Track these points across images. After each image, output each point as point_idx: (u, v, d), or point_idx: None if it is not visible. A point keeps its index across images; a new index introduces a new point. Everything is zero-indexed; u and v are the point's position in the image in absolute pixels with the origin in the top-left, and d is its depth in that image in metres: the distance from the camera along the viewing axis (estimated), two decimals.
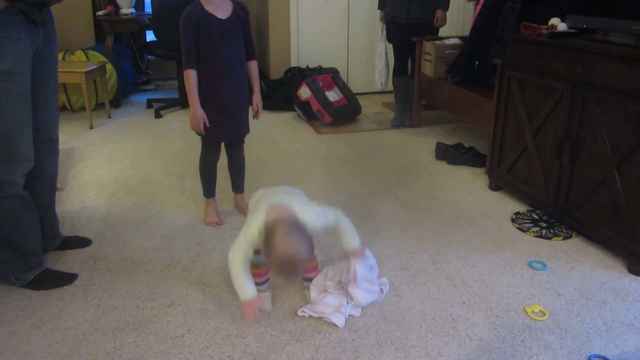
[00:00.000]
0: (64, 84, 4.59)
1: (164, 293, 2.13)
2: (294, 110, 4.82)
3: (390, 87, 4.59)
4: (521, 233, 2.61)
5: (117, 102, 5.10)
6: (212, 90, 2.44)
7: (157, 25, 4.70)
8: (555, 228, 2.63)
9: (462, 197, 3.04)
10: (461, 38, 4.11)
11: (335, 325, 1.91)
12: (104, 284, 2.19)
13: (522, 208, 2.88)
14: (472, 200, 3.00)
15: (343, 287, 2.03)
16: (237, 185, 2.81)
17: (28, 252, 2.14)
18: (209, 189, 2.72)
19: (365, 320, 1.95)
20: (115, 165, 3.56)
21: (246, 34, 2.51)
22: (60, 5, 2.13)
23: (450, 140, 3.88)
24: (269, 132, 4.31)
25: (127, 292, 2.13)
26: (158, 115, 4.74)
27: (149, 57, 6.14)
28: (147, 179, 3.32)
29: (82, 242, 2.50)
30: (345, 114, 4.57)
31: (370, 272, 2.06)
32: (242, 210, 2.80)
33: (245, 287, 1.81)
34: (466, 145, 3.68)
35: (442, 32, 4.27)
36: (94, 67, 4.41)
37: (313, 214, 1.83)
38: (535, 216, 2.76)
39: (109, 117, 4.72)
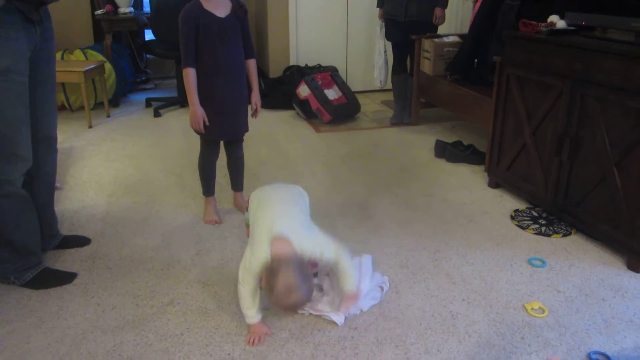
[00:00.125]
0: (63, 84, 4.59)
1: (164, 292, 2.13)
2: (293, 108, 4.82)
3: (389, 85, 4.58)
4: (520, 230, 2.61)
5: (116, 101, 5.10)
6: (211, 89, 2.44)
7: (156, 24, 4.70)
8: (555, 225, 2.63)
9: (462, 194, 3.04)
10: (460, 36, 4.11)
11: (334, 323, 1.91)
12: (104, 282, 2.19)
13: (522, 205, 2.88)
14: (471, 197, 3.00)
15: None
16: (237, 183, 2.81)
17: (27, 252, 2.13)
18: (208, 187, 2.72)
19: (365, 317, 1.95)
20: (115, 164, 3.56)
21: (245, 32, 2.51)
22: (59, 4, 2.13)
23: (450, 138, 3.88)
24: (268, 130, 4.31)
25: (127, 291, 2.13)
26: (157, 114, 4.74)
27: (147, 56, 6.14)
28: (146, 177, 3.32)
29: (81, 241, 2.49)
30: (345, 112, 4.56)
31: (371, 282, 2.06)
32: (241, 208, 2.80)
33: (253, 312, 1.84)
34: (465, 142, 3.68)
35: (441, 29, 4.27)
36: (93, 66, 4.40)
37: (314, 245, 1.81)
38: (535, 213, 2.76)
39: (108, 116, 4.72)
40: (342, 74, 5.34)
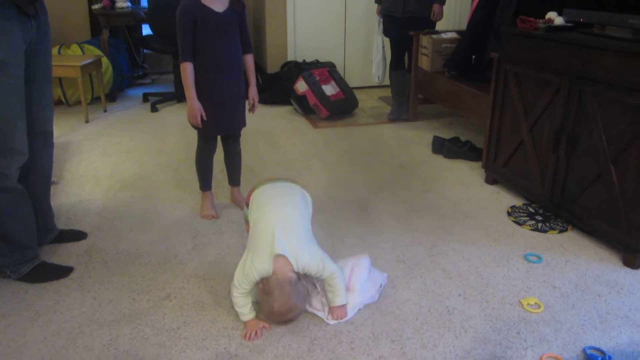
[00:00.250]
0: (60, 78, 4.57)
1: (160, 286, 2.13)
2: (290, 104, 4.82)
3: (387, 81, 4.58)
4: (517, 226, 2.62)
5: (113, 96, 5.09)
6: (209, 84, 2.44)
7: (153, 18, 4.68)
8: (551, 221, 2.63)
9: (459, 190, 3.05)
10: (458, 32, 4.11)
11: None
12: (100, 276, 2.19)
13: (518, 201, 2.88)
14: (468, 193, 3.01)
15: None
16: (234, 178, 2.81)
17: (23, 245, 2.13)
18: (205, 182, 2.72)
19: (361, 312, 1.96)
20: (111, 159, 3.55)
21: (242, 27, 2.50)
22: None
23: (447, 134, 3.88)
24: (266, 125, 4.31)
25: (123, 285, 2.13)
26: (154, 109, 4.73)
27: (145, 51, 6.13)
28: (143, 172, 3.31)
29: (77, 236, 2.49)
30: (342, 108, 4.56)
31: (367, 282, 2.04)
32: (238, 203, 2.80)
33: (246, 310, 1.85)
34: (463, 139, 3.68)
35: (439, 26, 4.26)
36: (90, 61, 4.39)
37: (311, 262, 1.81)
38: (532, 210, 2.77)
39: (105, 111, 4.70)
40: (339, 69, 5.34)
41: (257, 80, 4.71)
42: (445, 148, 3.57)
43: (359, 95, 4.96)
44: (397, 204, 2.86)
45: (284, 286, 1.76)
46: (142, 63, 6.08)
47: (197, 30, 2.35)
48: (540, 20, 2.69)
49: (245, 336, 1.82)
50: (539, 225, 2.60)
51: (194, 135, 2.65)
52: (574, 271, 2.24)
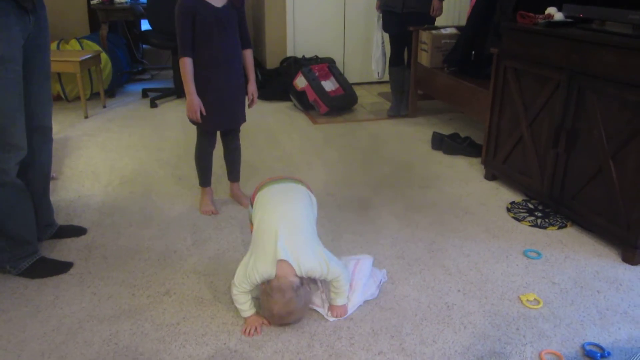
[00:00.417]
0: (59, 74, 4.56)
1: (160, 281, 2.13)
2: (290, 100, 4.81)
3: (386, 77, 4.58)
4: (516, 222, 2.62)
5: (112, 91, 5.08)
6: (208, 79, 2.43)
7: (152, 14, 4.67)
8: (551, 217, 2.64)
9: (458, 186, 3.05)
10: (458, 28, 4.10)
11: None
12: (100, 272, 2.19)
13: (518, 198, 2.88)
14: (467, 189, 3.01)
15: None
16: (233, 174, 2.80)
17: (23, 241, 2.13)
18: (204, 178, 2.71)
19: (361, 308, 1.96)
20: (111, 154, 3.55)
21: (241, 22, 2.50)
22: None
23: (447, 130, 3.88)
24: (265, 121, 4.30)
25: (123, 281, 2.13)
26: (153, 104, 4.73)
27: (144, 46, 6.11)
28: (143, 168, 3.31)
29: (77, 231, 2.49)
30: (342, 103, 4.56)
31: (368, 280, 2.05)
32: (238, 199, 2.80)
33: (246, 307, 1.85)
34: (462, 135, 3.68)
35: (439, 21, 4.26)
36: (89, 56, 4.38)
37: (315, 266, 1.80)
38: (531, 206, 2.77)
39: (104, 106, 4.70)
40: (339, 65, 5.33)
41: (257, 75, 4.71)
42: (444, 144, 3.57)
43: (358, 91, 4.96)
44: (396, 200, 2.86)
45: (285, 291, 1.75)
46: (141, 58, 6.07)
47: (196, 25, 2.34)
48: (540, 16, 2.69)
49: (244, 332, 1.82)
50: (539, 221, 2.61)
51: (193, 131, 2.65)
52: (573, 267, 2.24)
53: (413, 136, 3.94)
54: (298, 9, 5.27)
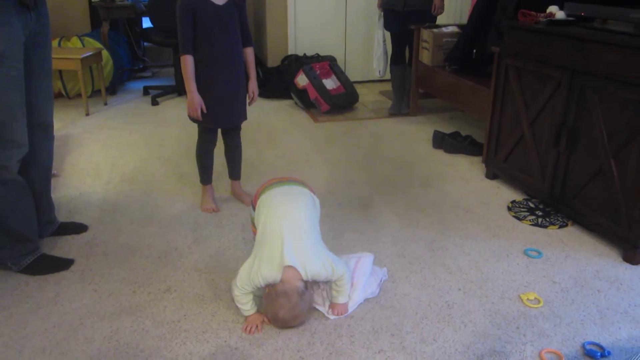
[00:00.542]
0: (60, 71, 4.56)
1: (161, 279, 2.13)
2: (291, 98, 4.81)
3: (388, 76, 4.57)
4: (517, 221, 2.62)
5: (113, 89, 5.08)
6: (209, 77, 2.43)
7: (154, 11, 4.67)
8: (551, 217, 2.64)
9: (459, 185, 3.05)
10: (459, 26, 4.10)
11: None
12: (101, 269, 2.19)
13: (519, 196, 2.88)
14: (468, 188, 3.01)
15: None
16: (234, 172, 2.80)
17: (24, 238, 2.13)
18: (205, 175, 2.71)
19: (361, 306, 1.96)
20: (112, 152, 3.55)
21: (242, 20, 2.50)
22: None
23: (448, 129, 3.88)
24: (266, 119, 4.30)
25: (124, 278, 2.13)
26: (154, 102, 4.73)
27: (145, 44, 6.11)
28: (144, 165, 3.31)
29: (78, 228, 2.49)
30: (343, 102, 4.56)
31: (369, 278, 2.05)
32: (238, 197, 2.80)
33: (248, 306, 1.85)
34: (463, 133, 3.68)
35: (440, 20, 4.25)
36: (90, 53, 4.38)
37: (319, 270, 1.80)
38: (532, 205, 2.77)
39: (105, 104, 4.70)
40: (340, 63, 5.32)
41: (257, 73, 4.71)
42: (445, 143, 3.57)
43: (359, 89, 4.96)
44: (397, 199, 2.86)
45: (291, 295, 1.75)
46: (142, 56, 6.07)
47: (197, 23, 2.34)
48: (542, 14, 2.69)
49: (245, 329, 1.82)
50: (539, 220, 2.61)
51: (194, 128, 2.65)
52: (573, 266, 2.24)
53: (414, 135, 3.94)
54: (299, 6, 5.27)
